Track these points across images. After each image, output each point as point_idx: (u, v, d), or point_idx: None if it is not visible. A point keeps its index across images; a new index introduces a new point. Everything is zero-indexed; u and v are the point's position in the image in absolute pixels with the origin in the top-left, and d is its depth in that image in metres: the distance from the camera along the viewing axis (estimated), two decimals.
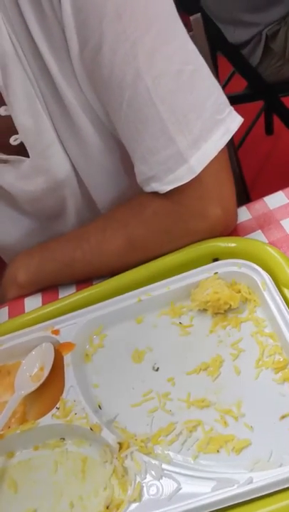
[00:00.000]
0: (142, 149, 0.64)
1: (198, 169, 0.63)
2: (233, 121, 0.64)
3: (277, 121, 1.98)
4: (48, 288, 0.79)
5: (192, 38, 1.18)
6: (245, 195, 1.44)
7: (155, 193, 0.67)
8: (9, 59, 0.62)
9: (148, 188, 0.68)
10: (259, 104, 2.01)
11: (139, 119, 0.62)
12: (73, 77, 0.63)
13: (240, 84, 1.73)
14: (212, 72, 1.11)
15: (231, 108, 0.65)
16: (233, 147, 1.27)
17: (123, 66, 0.58)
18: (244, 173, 1.64)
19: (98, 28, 0.56)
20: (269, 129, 2.33)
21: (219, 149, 0.63)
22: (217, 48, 1.61)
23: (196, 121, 0.61)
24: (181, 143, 0.62)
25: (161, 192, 0.66)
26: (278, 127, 2.29)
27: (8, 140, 0.69)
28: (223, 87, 2.03)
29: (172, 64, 0.59)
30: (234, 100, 1.85)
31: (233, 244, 0.66)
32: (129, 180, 0.72)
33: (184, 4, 1.48)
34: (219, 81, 1.85)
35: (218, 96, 0.63)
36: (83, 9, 0.56)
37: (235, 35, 1.59)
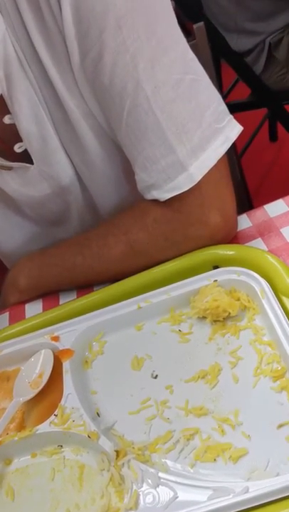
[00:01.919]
0: (142, 157, 0.65)
1: (197, 177, 0.63)
2: (232, 130, 0.65)
3: (281, 128, 1.98)
4: (49, 294, 0.79)
5: (195, 46, 1.20)
6: (247, 203, 1.44)
7: (156, 201, 0.67)
8: (13, 68, 0.63)
9: (148, 196, 0.68)
10: (263, 110, 2.02)
11: (139, 127, 0.62)
12: (74, 86, 0.64)
13: (244, 91, 1.74)
14: (215, 79, 1.11)
15: (231, 116, 0.65)
16: (236, 154, 1.27)
17: (123, 76, 0.59)
18: (248, 180, 1.64)
19: (99, 38, 0.57)
20: (273, 136, 2.34)
21: (218, 158, 0.64)
22: (221, 56, 1.62)
23: (195, 130, 0.62)
24: (181, 151, 0.62)
25: (161, 200, 0.66)
26: (282, 134, 2.29)
27: (13, 147, 0.70)
28: (227, 95, 2.04)
29: (172, 74, 0.60)
30: (238, 107, 1.86)
31: (232, 252, 0.66)
32: (131, 187, 0.72)
33: (188, 12, 1.50)
34: (223, 88, 1.86)
35: (217, 105, 0.64)
36: (84, 20, 0.56)
37: (238, 43, 1.60)
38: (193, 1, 1.54)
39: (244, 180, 1.48)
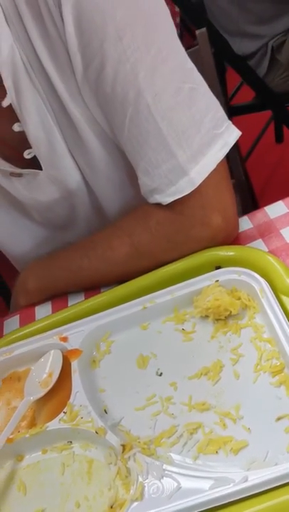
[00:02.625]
0: (144, 163, 0.67)
1: (198, 181, 0.66)
2: (230, 135, 0.67)
3: (287, 129, 1.99)
4: (58, 296, 0.82)
5: (198, 51, 1.22)
6: (252, 204, 1.45)
7: (158, 204, 0.70)
8: (21, 78, 0.65)
9: (151, 200, 0.70)
10: (269, 112, 2.03)
11: (140, 134, 0.65)
12: (78, 94, 0.66)
13: (249, 94, 1.76)
14: (217, 83, 1.13)
15: (229, 122, 0.67)
16: (240, 157, 1.29)
17: (125, 85, 0.62)
18: (254, 181, 1.66)
19: (100, 49, 0.60)
20: (279, 137, 2.35)
21: (217, 162, 0.66)
22: (225, 60, 1.64)
23: (194, 136, 0.64)
24: (181, 157, 0.65)
25: (164, 203, 0.69)
26: (288, 135, 2.31)
27: (22, 154, 0.73)
28: (232, 97, 2.05)
29: (171, 82, 0.62)
30: (243, 110, 1.87)
31: (233, 253, 0.68)
32: (135, 191, 0.75)
33: (191, 17, 1.52)
34: (228, 91, 1.88)
35: (216, 111, 0.66)
36: (85, 32, 0.59)
37: (241, 46, 1.62)
38: (197, 5, 1.57)
39: (249, 181, 1.50)
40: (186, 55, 0.65)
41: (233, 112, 1.74)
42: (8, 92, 0.65)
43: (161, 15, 0.63)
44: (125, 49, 0.59)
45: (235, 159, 1.24)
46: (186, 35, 2.41)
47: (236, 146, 1.28)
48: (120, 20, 0.58)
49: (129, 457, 0.54)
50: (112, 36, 0.59)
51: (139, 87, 0.61)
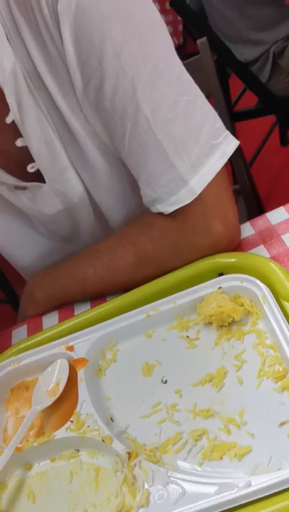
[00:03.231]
0: (145, 174, 0.69)
1: (198, 190, 0.67)
2: (228, 145, 0.68)
3: None
4: (65, 306, 0.83)
5: (199, 60, 1.23)
6: (258, 209, 1.46)
7: (161, 213, 0.71)
8: (24, 95, 0.67)
9: (153, 209, 0.72)
10: (273, 116, 2.04)
11: (140, 146, 0.66)
12: (79, 109, 0.68)
13: (253, 98, 1.76)
14: (220, 91, 1.14)
15: (227, 132, 0.69)
16: (244, 164, 1.30)
17: (124, 100, 0.63)
18: (260, 185, 1.67)
19: (98, 66, 0.61)
20: (284, 140, 2.35)
21: (217, 171, 0.67)
22: (228, 67, 1.65)
23: (193, 147, 0.65)
24: (181, 167, 0.66)
25: (166, 213, 0.70)
26: None
27: (26, 168, 0.74)
28: (236, 103, 2.06)
29: (168, 96, 0.64)
30: (247, 115, 1.88)
31: (235, 260, 0.69)
32: (138, 201, 0.76)
33: (192, 26, 1.53)
34: (231, 97, 1.89)
35: (213, 122, 0.67)
36: (84, 49, 0.61)
37: (244, 53, 1.63)
38: (198, 14, 1.58)
39: (254, 186, 1.50)
40: (183, 68, 0.66)
41: (237, 118, 1.76)
42: (11, 108, 0.67)
43: (157, 30, 0.64)
44: (123, 65, 0.61)
45: (238, 165, 1.25)
46: (190, 41, 2.43)
47: (240, 152, 1.29)
48: (117, 37, 0.60)
49: (134, 464, 0.54)
50: (109, 53, 0.60)
51: (138, 101, 0.63)
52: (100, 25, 0.59)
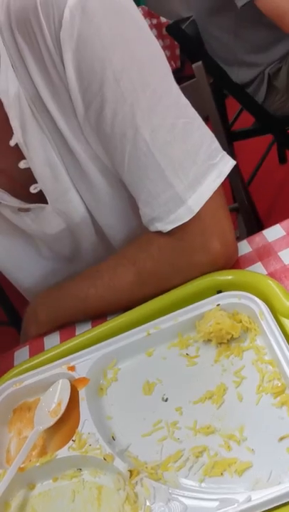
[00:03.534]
0: (144, 194, 0.70)
1: (196, 209, 0.68)
2: (225, 165, 0.70)
3: None
4: (66, 326, 0.84)
5: (195, 83, 1.25)
6: (257, 226, 1.47)
7: (160, 232, 0.72)
8: (27, 119, 0.69)
9: (152, 228, 0.73)
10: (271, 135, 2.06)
11: (140, 168, 0.68)
12: (80, 133, 0.70)
13: (250, 118, 1.79)
14: (216, 113, 1.16)
15: (224, 153, 0.70)
16: (242, 181, 1.32)
17: (123, 125, 0.66)
18: (259, 203, 1.68)
19: (99, 92, 0.64)
20: (282, 158, 2.37)
21: (214, 190, 0.69)
22: (224, 88, 1.68)
23: (191, 167, 0.67)
24: (178, 186, 0.67)
25: (165, 231, 0.71)
26: None
27: (29, 189, 0.76)
28: (233, 123, 2.09)
29: (166, 119, 0.66)
30: (244, 135, 1.91)
31: (233, 277, 0.70)
32: (139, 221, 0.77)
33: (188, 51, 1.57)
34: (228, 117, 1.92)
35: (210, 143, 0.69)
36: (85, 76, 0.63)
37: (239, 75, 1.67)
38: (194, 39, 1.62)
39: (253, 204, 1.52)
40: (180, 92, 0.69)
41: (234, 137, 1.78)
42: (14, 131, 0.69)
43: (155, 57, 0.67)
44: (122, 91, 0.63)
45: (237, 184, 1.27)
46: (188, 64, 2.47)
47: (237, 171, 1.31)
48: (117, 65, 0.62)
49: (136, 482, 0.55)
50: (110, 80, 0.63)
51: (137, 125, 0.65)
52: (101, 54, 0.61)
